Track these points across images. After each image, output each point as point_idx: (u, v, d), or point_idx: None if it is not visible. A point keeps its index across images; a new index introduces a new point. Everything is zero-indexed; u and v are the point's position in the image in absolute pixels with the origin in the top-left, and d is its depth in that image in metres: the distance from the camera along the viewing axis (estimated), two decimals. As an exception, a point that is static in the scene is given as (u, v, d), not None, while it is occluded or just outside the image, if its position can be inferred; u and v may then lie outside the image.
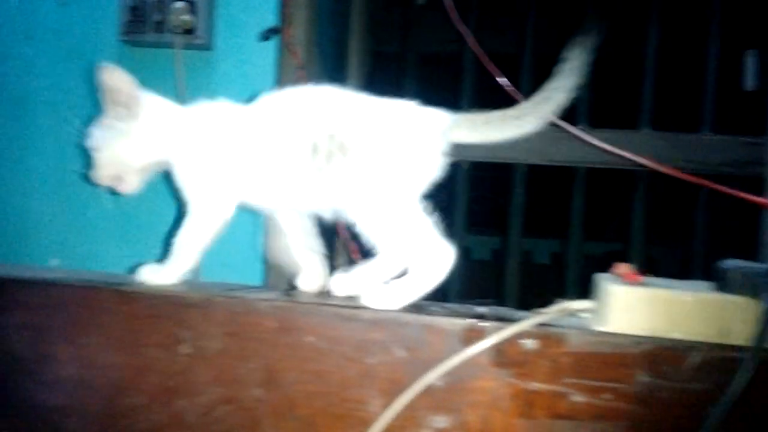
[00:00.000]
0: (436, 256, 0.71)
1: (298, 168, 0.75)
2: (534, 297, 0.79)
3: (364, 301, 0.70)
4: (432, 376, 0.65)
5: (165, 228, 0.93)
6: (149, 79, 1.59)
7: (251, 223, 1.49)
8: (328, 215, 0.79)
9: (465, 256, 1.96)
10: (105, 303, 0.71)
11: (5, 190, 1.53)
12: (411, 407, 0.66)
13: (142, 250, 1.10)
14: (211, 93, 1.56)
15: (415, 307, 0.70)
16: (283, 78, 1.11)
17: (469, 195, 1.85)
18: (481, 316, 0.68)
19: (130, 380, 0.71)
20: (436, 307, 0.71)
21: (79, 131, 0.81)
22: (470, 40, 1.22)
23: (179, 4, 1.46)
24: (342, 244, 1.52)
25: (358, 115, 0.75)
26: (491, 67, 1.22)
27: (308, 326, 0.68)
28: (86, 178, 0.81)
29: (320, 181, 0.74)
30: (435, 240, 0.72)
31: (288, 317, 0.69)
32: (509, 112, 0.75)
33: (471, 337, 0.66)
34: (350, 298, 0.74)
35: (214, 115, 0.85)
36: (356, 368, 0.68)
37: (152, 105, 0.84)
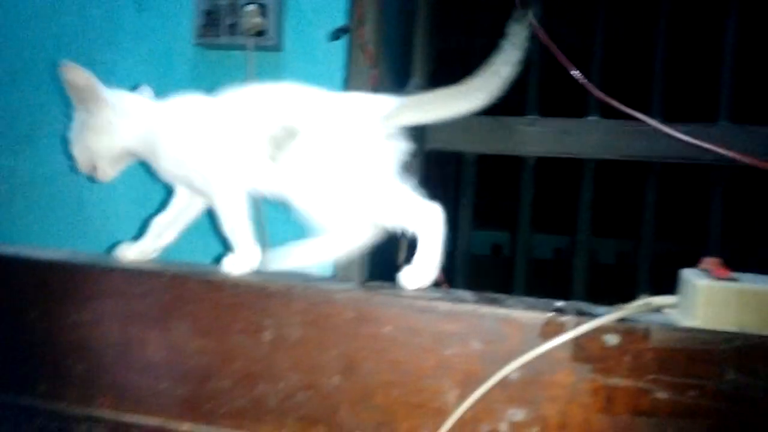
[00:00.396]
0: (427, 218, 0.76)
1: (256, 157, 0.80)
2: (600, 298, 0.77)
3: (403, 285, 0.74)
4: (509, 369, 0.65)
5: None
6: (222, 80, 1.66)
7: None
8: (282, 199, 0.83)
9: (527, 254, 1.93)
10: (192, 291, 0.74)
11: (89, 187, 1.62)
12: (488, 399, 0.66)
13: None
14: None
15: (492, 300, 0.70)
16: (352, 76, 1.13)
17: (533, 192, 1.82)
18: (560, 310, 0.67)
19: (216, 365, 0.74)
20: (512, 300, 0.71)
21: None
22: (540, 32, 1.20)
23: (251, 7, 1.51)
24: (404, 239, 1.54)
25: (307, 107, 0.81)
26: (562, 58, 1.21)
27: (385, 317, 0.69)
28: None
29: (275, 169, 0.79)
30: (419, 204, 0.77)
31: (365, 308, 0.70)
32: (456, 88, 0.76)
33: (550, 330, 0.65)
34: (426, 290, 0.75)
35: (187, 107, 0.89)
36: (433, 359, 0.69)
37: (117, 99, 0.87)
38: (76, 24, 1.50)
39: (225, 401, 0.74)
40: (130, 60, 1.68)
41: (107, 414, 0.77)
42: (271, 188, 0.82)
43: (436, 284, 0.78)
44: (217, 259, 0.79)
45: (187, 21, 1.63)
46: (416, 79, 1.57)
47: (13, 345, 0.79)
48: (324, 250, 0.81)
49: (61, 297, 0.78)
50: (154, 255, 0.86)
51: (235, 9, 1.55)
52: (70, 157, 0.86)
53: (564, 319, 0.65)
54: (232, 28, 1.57)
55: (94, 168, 0.86)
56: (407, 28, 1.51)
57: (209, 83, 1.67)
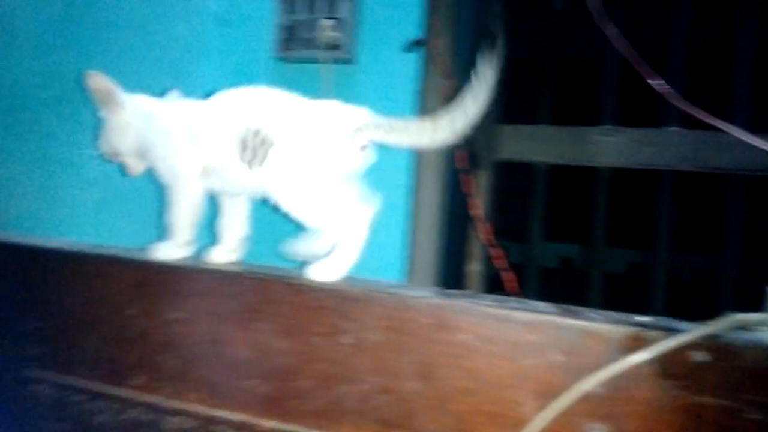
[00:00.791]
0: (354, 217, 0.81)
1: (232, 158, 0.85)
2: (678, 313, 0.75)
3: (311, 276, 0.79)
4: (591, 382, 0.65)
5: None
6: (299, 92, 1.72)
7: (394, 223, 1.55)
8: (260, 198, 0.88)
9: (600, 268, 1.88)
10: (277, 294, 0.78)
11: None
12: (567, 412, 0.66)
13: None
14: (354, 104, 1.65)
15: (572, 312, 0.70)
16: (426, 88, 1.14)
17: (608, 205, 1.78)
18: (643, 325, 0.66)
19: (298, 365, 0.77)
20: (593, 313, 0.71)
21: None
22: (618, 41, 1.18)
23: (327, 22, 1.56)
24: (477, 232, 1.53)
25: (280, 113, 0.84)
26: (641, 66, 1.18)
27: (463, 325, 0.70)
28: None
29: (250, 171, 0.84)
30: (350, 205, 0.82)
31: (443, 315, 0.71)
32: (425, 121, 0.80)
33: (633, 345, 0.64)
34: (504, 299, 0.75)
35: (174, 109, 0.93)
36: (511, 368, 0.69)
37: (132, 102, 0.94)
38: (164, 39, 1.59)
39: (307, 401, 0.76)
40: (214, 73, 1.77)
41: (197, 408, 0.82)
42: (247, 188, 0.88)
43: (509, 294, 0.78)
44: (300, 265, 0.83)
45: (266, 36, 1.71)
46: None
47: (113, 339, 0.85)
48: (316, 244, 0.85)
49: (157, 296, 0.83)
50: (240, 250, 0.93)
51: (312, 24, 1.61)
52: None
53: (648, 333, 0.64)
54: (309, 42, 1.62)
55: (124, 163, 0.95)
56: (479, 39, 1.52)
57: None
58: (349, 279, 0.81)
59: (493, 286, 1.69)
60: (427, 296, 0.73)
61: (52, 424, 0.94)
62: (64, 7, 1.26)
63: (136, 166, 0.95)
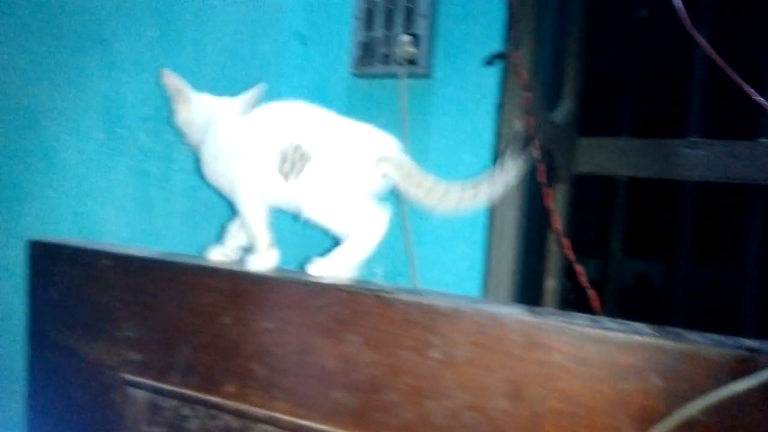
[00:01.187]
0: (370, 222, 0.87)
1: (271, 170, 0.90)
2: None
3: (311, 272, 0.86)
4: (693, 409, 0.62)
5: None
6: (375, 108, 1.75)
7: (472, 238, 1.54)
8: (294, 211, 0.93)
9: (683, 287, 1.79)
10: (365, 306, 0.79)
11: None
12: (667, 438, 0.63)
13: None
14: (430, 118, 1.66)
15: (673, 334, 0.67)
16: (506, 99, 1.14)
17: (694, 219, 1.70)
18: (750, 349, 0.63)
19: (385, 378, 0.77)
20: (696, 335, 0.68)
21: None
22: (707, 49, 1.14)
23: (405, 38, 1.58)
24: (556, 241, 1.50)
25: (318, 130, 0.90)
26: (732, 74, 1.13)
27: (556, 344, 0.69)
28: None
29: (285, 183, 0.90)
30: (369, 210, 0.87)
31: (535, 333, 0.70)
32: (441, 186, 0.87)
33: (738, 370, 0.61)
34: (599, 319, 0.73)
35: (224, 122, 1.00)
36: (607, 391, 0.67)
37: (198, 101, 1.03)
38: (249, 58, 1.66)
39: (393, 414, 0.77)
40: (294, 90, 1.82)
41: (285, 417, 0.84)
42: (281, 200, 0.93)
43: (592, 312, 0.76)
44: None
45: (344, 53, 1.75)
46: (567, 100, 1.54)
47: (207, 347, 0.89)
48: (349, 257, 0.89)
49: (249, 306, 0.86)
50: (235, 256, 0.99)
51: (389, 40, 1.63)
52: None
53: (756, 358, 0.61)
54: (386, 58, 1.65)
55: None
56: (559, 50, 1.50)
57: (364, 110, 1.77)
58: (438, 294, 0.81)
59: (570, 303, 1.64)
60: (518, 313, 0.72)
61: (147, 427, 0.98)
62: (159, 30, 1.34)
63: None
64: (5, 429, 1.11)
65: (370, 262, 1.72)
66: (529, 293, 1.41)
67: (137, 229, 1.35)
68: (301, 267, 0.90)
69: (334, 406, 0.81)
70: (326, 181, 0.88)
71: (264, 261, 0.93)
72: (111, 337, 0.97)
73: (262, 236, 0.93)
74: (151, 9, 1.33)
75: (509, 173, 0.85)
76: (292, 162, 0.89)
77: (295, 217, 0.94)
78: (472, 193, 0.86)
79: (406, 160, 0.90)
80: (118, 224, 1.31)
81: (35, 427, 1.07)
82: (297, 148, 0.89)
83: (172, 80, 1.02)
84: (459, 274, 1.56)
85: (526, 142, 1.12)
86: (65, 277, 1.01)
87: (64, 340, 1.02)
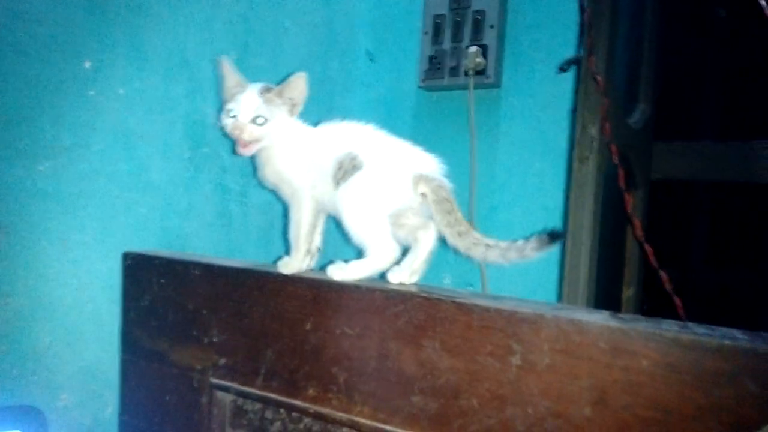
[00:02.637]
0: (380, 247, 0.92)
1: (328, 176, 0.96)
2: None
3: (328, 274, 0.92)
4: (794, 417, 0.59)
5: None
6: (442, 119, 1.77)
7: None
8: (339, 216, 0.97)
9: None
10: (444, 312, 0.80)
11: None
12: (765, 449, 0.61)
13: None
14: (499, 127, 1.66)
15: (766, 338, 0.65)
16: (582, 106, 1.12)
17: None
18: None
19: (465, 384, 0.78)
20: (794, 340, 0.65)
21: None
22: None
23: (473, 49, 1.59)
24: (636, 248, 1.46)
25: (372, 145, 0.96)
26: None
27: (643, 350, 0.68)
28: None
29: (335, 189, 0.95)
30: (385, 236, 0.92)
31: (620, 339, 0.69)
32: (472, 231, 0.92)
33: None
34: (684, 324, 0.71)
35: (296, 130, 1.04)
36: (698, 398, 0.65)
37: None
38: (320, 77, 1.71)
39: (474, 420, 0.77)
40: (363, 105, 1.87)
41: (365, 421, 0.85)
42: (330, 204, 0.98)
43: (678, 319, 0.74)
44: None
45: (412, 67, 1.78)
46: (642, 105, 1.50)
47: (290, 352, 0.92)
48: (368, 267, 0.93)
49: (330, 312, 0.89)
50: (312, 262, 1.04)
51: (457, 52, 1.65)
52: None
53: None
54: (454, 70, 1.67)
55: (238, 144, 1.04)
56: (634, 54, 1.47)
57: (432, 122, 1.80)
58: (517, 300, 0.81)
59: (648, 313, 1.58)
60: (602, 319, 0.71)
61: (232, 429, 1.03)
62: (237, 53, 1.41)
63: (246, 151, 1.04)
64: (99, 432, 1.18)
65: (438, 270, 1.74)
66: (606, 303, 1.37)
67: (218, 242, 1.41)
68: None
69: (414, 410, 0.82)
70: (362, 192, 0.93)
71: (293, 265, 0.98)
72: (199, 342, 1.02)
73: (303, 241, 0.99)
74: (231, 33, 1.41)
75: (529, 255, 0.89)
76: (345, 170, 0.94)
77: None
78: (485, 246, 0.91)
79: (444, 185, 0.94)
80: (200, 237, 1.38)
81: (128, 430, 1.14)
82: (353, 158, 0.94)
83: (231, 70, 1.03)
84: (532, 284, 1.54)
85: (604, 147, 1.11)
86: (156, 287, 1.07)
87: (155, 346, 1.08)
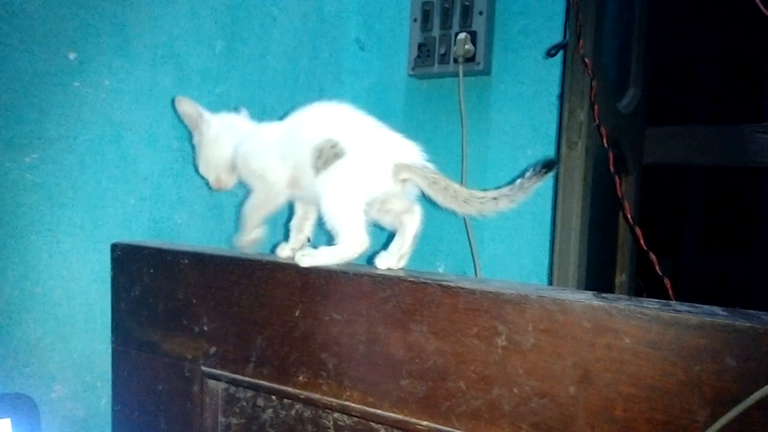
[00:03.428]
0: (357, 241, 0.92)
1: (308, 165, 0.95)
2: None
3: (296, 261, 0.92)
4: (773, 391, 0.60)
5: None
6: (433, 107, 1.77)
7: (537, 232, 1.52)
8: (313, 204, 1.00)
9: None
10: (430, 296, 0.80)
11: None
12: (744, 422, 0.61)
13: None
14: (489, 114, 1.66)
15: (745, 315, 0.65)
16: (570, 90, 1.12)
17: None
18: (837, 329, 0.60)
19: (452, 367, 0.78)
20: (773, 315, 0.65)
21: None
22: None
23: (462, 36, 1.59)
24: (627, 232, 1.47)
25: (353, 131, 0.95)
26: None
27: (626, 328, 0.68)
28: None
29: (315, 177, 0.95)
30: (358, 227, 0.92)
31: (604, 318, 0.69)
32: (465, 190, 0.91)
33: (824, 351, 0.59)
34: (666, 302, 0.71)
35: (259, 127, 1.08)
36: (679, 374, 0.65)
37: (218, 120, 1.10)
38: (308, 65, 1.71)
39: (461, 402, 0.78)
40: (353, 94, 1.87)
41: (355, 405, 0.86)
42: (312, 194, 0.97)
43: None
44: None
45: (402, 55, 1.77)
46: (633, 89, 1.50)
47: (279, 339, 0.93)
48: (337, 254, 0.93)
49: (319, 298, 0.89)
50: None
51: (446, 39, 1.65)
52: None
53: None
54: (443, 57, 1.66)
55: (218, 180, 1.11)
56: (623, 38, 1.46)
57: (422, 110, 1.79)
58: (503, 282, 0.81)
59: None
60: (585, 299, 0.72)
61: (224, 417, 1.03)
62: (225, 42, 1.41)
63: (227, 181, 1.11)
64: (93, 424, 1.18)
65: (432, 258, 1.74)
66: (598, 288, 1.38)
67: (208, 233, 1.41)
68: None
69: (403, 394, 0.82)
70: (343, 180, 0.93)
71: (245, 238, 1.06)
72: (190, 331, 1.03)
73: (254, 222, 1.05)
74: (218, 23, 1.40)
75: (530, 188, 0.91)
76: (326, 159, 0.94)
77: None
78: (493, 200, 0.91)
79: (428, 168, 0.94)
80: (191, 228, 1.38)
81: (121, 420, 1.14)
82: (334, 145, 0.93)
83: (189, 106, 1.09)
84: (523, 270, 1.54)
85: (593, 132, 1.11)
86: (146, 277, 1.08)
87: (146, 336, 1.08)
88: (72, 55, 1.13)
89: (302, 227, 1.08)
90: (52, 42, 1.10)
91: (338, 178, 0.93)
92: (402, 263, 0.95)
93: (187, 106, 1.08)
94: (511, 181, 0.91)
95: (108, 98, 1.19)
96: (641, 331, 0.67)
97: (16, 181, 1.06)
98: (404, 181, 0.94)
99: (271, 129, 1.06)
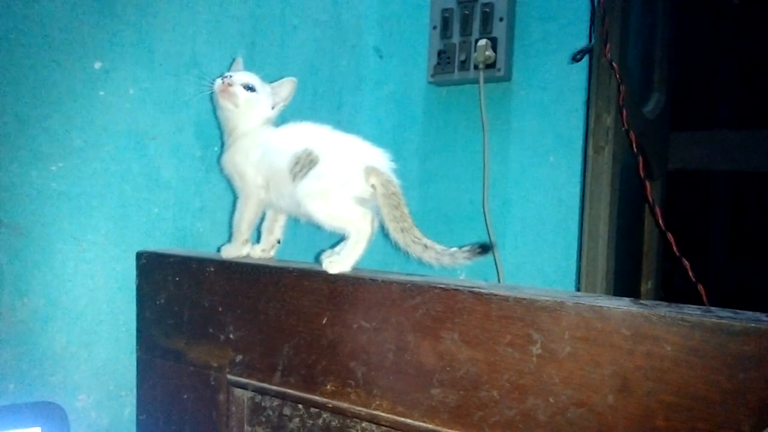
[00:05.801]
0: (361, 222, 0.95)
1: (285, 172, 1.00)
2: None
3: (324, 268, 0.92)
4: (826, 400, 0.58)
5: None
6: (453, 113, 1.76)
7: (563, 240, 1.50)
8: (294, 212, 1.05)
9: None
10: (461, 303, 0.79)
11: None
12: (796, 433, 0.59)
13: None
14: (510, 121, 1.65)
15: (795, 322, 0.63)
16: (597, 95, 1.11)
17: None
18: None
19: (485, 375, 0.77)
20: (823, 322, 0.63)
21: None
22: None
23: (482, 42, 1.58)
24: (656, 239, 1.44)
25: (327, 141, 1.01)
26: None
27: (665, 335, 0.66)
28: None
29: (292, 183, 0.99)
30: (356, 213, 0.95)
31: (642, 325, 0.68)
32: (414, 231, 0.95)
33: None
34: (708, 308, 0.70)
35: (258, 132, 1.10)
36: (722, 383, 0.63)
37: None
38: (328, 74, 1.71)
39: (495, 412, 0.76)
40: (373, 102, 1.87)
41: (384, 414, 0.85)
42: (289, 200, 1.02)
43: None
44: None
45: (421, 62, 1.77)
46: (657, 94, 1.49)
47: (307, 348, 0.92)
48: (357, 247, 0.95)
49: (347, 306, 0.88)
50: (272, 251, 1.13)
51: (466, 45, 1.64)
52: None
53: None
54: (463, 64, 1.66)
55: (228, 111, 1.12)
56: (647, 42, 1.45)
57: (442, 118, 1.79)
58: (536, 289, 0.80)
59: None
60: (623, 306, 0.70)
61: (250, 426, 1.02)
62: (246, 51, 1.41)
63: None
64: (118, 433, 1.18)
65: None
66: (625, 296, 1.35)
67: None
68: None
69: (434, 403, 0.81)
70: (321, 182, 0.97)
71: (233, 251, 1.07)
72: (216, 340, 1.02)
73: (244, 231, 1.07)
74: (239, 31, 1.41)
75: (459, 260, 0.94)
76: (302, 165, 0.98)
77: (296, 219, 1.08)
78: (423, 246, 0.94)
79: (393, 179, 0.97)
80: (213, 236, 1.38)
81: (146, 429, 1.14)
82: (309, 153, 0.98)
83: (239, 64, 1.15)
84: (546, 278, 1.52)
85: (620, 137, 1.09)
86: (171, 285, 1.07)
87: (171, 344, 1.08)
88: (97, 65, 1.13)
89: (272, 229, 1.14)
90: (78, 52, 1.10)
91: (317, 181, 0.97)
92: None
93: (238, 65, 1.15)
94: (448, 246, 0.95)
95: (132, 107, 1.19)
96: (683, 339, 0.65)
97: (42, 190, 1.06)
98: (373, 186, 0.97)
99: (264, 135, 1.10)
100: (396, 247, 0.97)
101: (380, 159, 0.99)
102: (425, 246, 0.94)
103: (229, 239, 1.10)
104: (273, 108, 1.12)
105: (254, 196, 1.06)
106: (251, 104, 1.09)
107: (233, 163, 1.08)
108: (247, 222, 1.07)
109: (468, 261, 0.93)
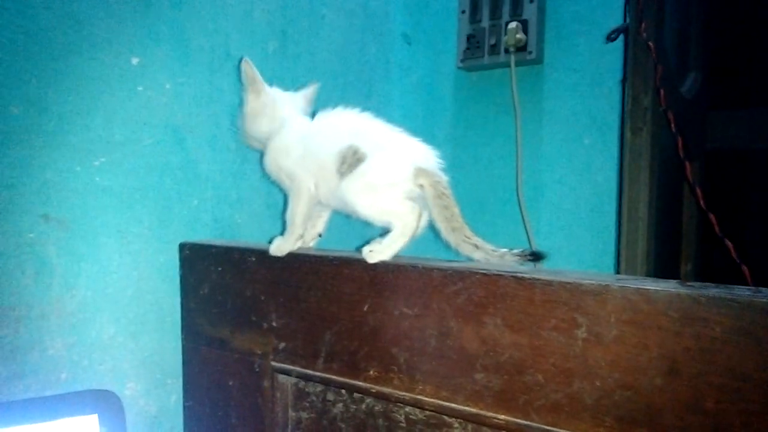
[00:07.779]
0: (406, 224, 0.94)
1: (331, 170, 0.99)
2: None
3: (364, 257, 0.92)
4: None
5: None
6: (483, 99, 1.74)
7: (600, 223, 1.49)
8: (341, 208, 1.03)
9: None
10: (504, 288, 0.79)
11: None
12: None
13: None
14: (543, 104, 1.63)
15: None
16: (634, 75, 1.09)
17: None
18: None
19: (529, 360, 0.77)
20: None
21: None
22: None
23: (513, 25, 1.56)
24: (695, 220, 1.42)
25: (373, 137, 0.98)
26: None
27: (715, 317, 0.66)
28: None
29: (339, 181, 0.98)
30: (403, 207, 0.94)
31: (690, 307, 0.67)
32: (465, 231, 0.94)
33: None
34: (757, 289, 0.69)
35: (293, 123, 1.09)
36: (777, 365, 0.63)
37: (269, 94, 1.10)
38: (357, 62, 1.71)
39: (540, 395, 0.77)
40: (402, 89, 1.86)
41: (428, 399, 0.86)
42: (336, 197, 1.00)
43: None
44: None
45: (450, 47, 1.76)
46: (694, 73, 1.45)
47: (349, 334, 0.93)
48: (399, 239, 0.94)
49: (388, 293, 0.89)
50: (312, 244, 1.12)
51: (496, 29, 1.63)
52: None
53: None
54: (493, 48, 1.64)
55: (245, 141, 1.15)
56: (683, 20, 1.42)
57: (473, 103, 1.77)
58: (580, 272, 0.79)
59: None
60: (670, 288, 0.69)
61: (294, 412, 1.05)
62: (277, 42, 1.42)
63: (253, 146, 1.15)
64: (165, 420, 1.22)
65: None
66: (665, 278, 1.34)
67: (267, 231, 1.43)
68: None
69: (477, 387, 0.81)
70: (368, 178, 0.96)
71: (287, 246, 1.03)
72: (259, 327, 1.04)
73: (298, 228, 1.05)
74: (270, 23, 1.42)
75: (509, 261, 0.91)
76: (350, 164, 0.97)
77: (343, 215, 1.06)
78: (474, 246, 0.93)
79: (442, 179, 0.96)
80: (250, 227, 1.40)
81: (193, 416, 1.17)
82: (355, 152, 0.96)
83: (249, 69, 1.08)
84: (583, 262, 1.51)
85: (658, 117, 1.07)
86: (214, 275, 1.10)
87: (215, 333, 1.11)
88: (135, 60, 1.16)
89: (315, 222, 1.12)
90: (115, 48, 1.13)
91: (365, 177, 0.96)
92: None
93: (248, 68, 1.09)
94: (498, 246, 0.93)
95: (169, 102, 1.21)
96: (732, 320, 0.65)
97: (87, 185, 1.09)
98: (421, 186, 0.95)
99: (299, 127, 1.09)
100: (447, 246, 0.96)
101: (429, 158, 0.98)
102: (476, 246, 0.93)
103: (282, 233, 1.08)
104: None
105: (305, 191, 1.05)
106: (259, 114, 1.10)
107: (278, 166, 1.07)
108: (301, 216, 1.05)
109: (517, 264, 0.90)
